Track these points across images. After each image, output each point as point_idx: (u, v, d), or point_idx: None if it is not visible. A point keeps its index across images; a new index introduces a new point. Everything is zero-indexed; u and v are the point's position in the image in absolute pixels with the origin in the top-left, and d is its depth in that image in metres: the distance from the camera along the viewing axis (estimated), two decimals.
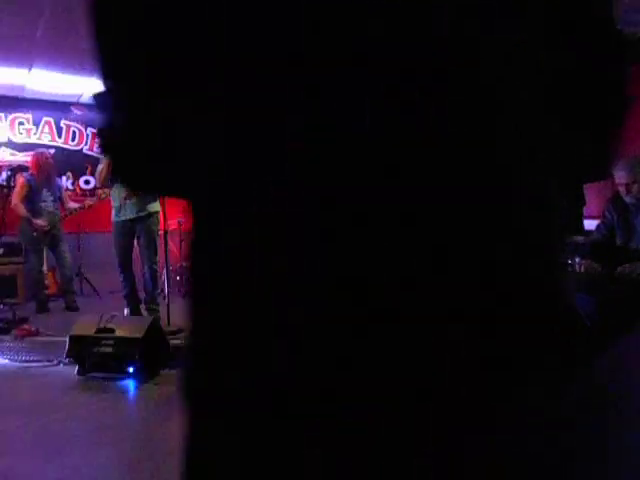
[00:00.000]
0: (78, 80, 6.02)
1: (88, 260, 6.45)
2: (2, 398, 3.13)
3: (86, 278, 6.29)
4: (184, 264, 6.27)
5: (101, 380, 3.77)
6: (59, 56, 5.24)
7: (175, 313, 4.57)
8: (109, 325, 3.88)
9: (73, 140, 7.07)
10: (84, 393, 3.59)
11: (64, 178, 6.79)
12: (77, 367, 3.89)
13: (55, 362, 4.14)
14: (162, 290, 5.14)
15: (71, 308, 5.68)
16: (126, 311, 4.74)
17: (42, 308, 5.53)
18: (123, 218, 4.76)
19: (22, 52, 5.08)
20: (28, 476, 2.42)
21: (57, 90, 6.40)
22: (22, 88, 6.27)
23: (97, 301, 6.16)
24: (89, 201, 5.73)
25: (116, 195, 4.77)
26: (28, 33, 4.59)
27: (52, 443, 2.79)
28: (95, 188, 7.15)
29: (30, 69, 5.60)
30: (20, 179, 5.63)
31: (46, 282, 5.82)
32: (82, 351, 3.87)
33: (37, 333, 4.42)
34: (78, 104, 7.04)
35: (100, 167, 4.82)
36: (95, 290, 6.33)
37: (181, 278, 6.20)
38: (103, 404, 3.36)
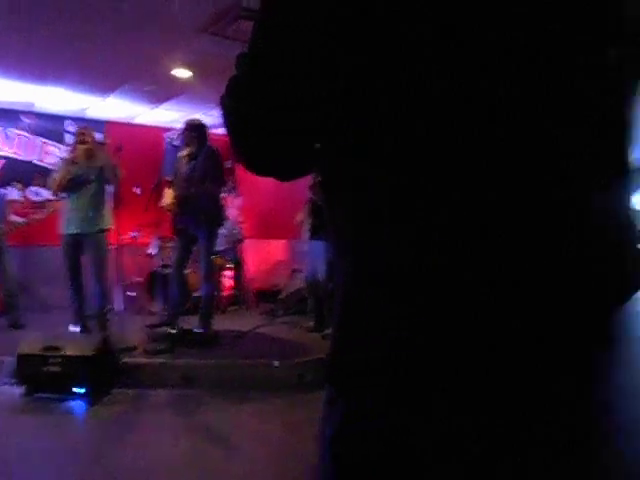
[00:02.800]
0: (29, 88, 5.85)
1: (36, 274, 6.21)
2: None
3: (30, 291, 6.05)
4: (137, 280, 6.15)
5: (48, 401, 3.63)
6: (11, 63, 5.09)
7: (128, 330, 4.46)
8: (57, 343, 3.75)
9: (22, 150, 6.83)
10: (31, 416, 3.44)
11: (10, 188, 6.53)
12: (23, 388, 3.73)
13: None
14: (112, 306, 5.00)
15: (16, 325, 5.44)
16: (74, 328, 4.59)
17: None
18: (71, 232, 4.63)
19: None
20: None
21: (7, 98, 6.19)
22: None
23: (45, 317, 5.92)
24: (36, 215, 5.54)
25: (69, 207, 4.64)
26: None
27: (10, 472, 2.66)
28: (45, 200, 6.93)
29: None
30: None
31: None
32: (29, 371, 3.72)
33: None
34: (29, 113, 6.82)
35: (56, 175, 4.67)
36: (41, 305, 6.09)
37: (135, 294, 6.05)
38: (49, 427, 3.24)
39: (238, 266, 6.77)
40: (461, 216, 0.55)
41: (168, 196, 4.64)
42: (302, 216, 4.90)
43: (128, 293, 5.89)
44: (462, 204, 0.55)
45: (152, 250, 6.49)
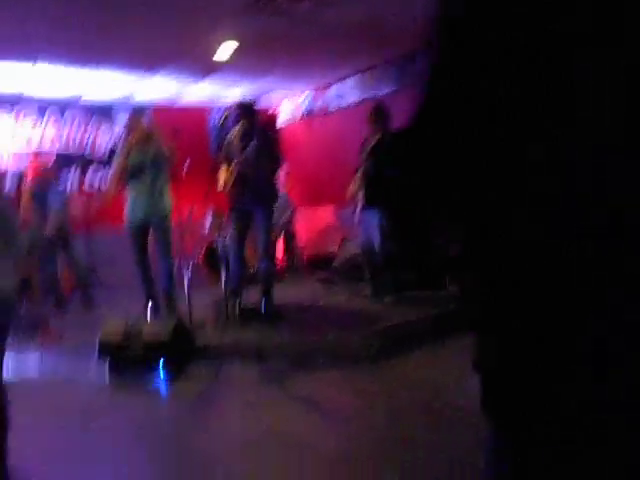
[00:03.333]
0: (78, 74, 5.96)
1: (98, 256, 6.48)
2: (42, 405, 3.21)
3: (97, 274, 6.34)
4: (195, 256, 6.33)
5: (131, 380, 3.87)
6: (59, 51, 5.20)
7: (194, 307, 4.59)
8: (135, 329, 3.97)
9: (77, 136, 7.04)
10: (117, 394, 3.69)
11: (69, 177, 6.78)
12: (107, 370, 3.99)
13: (83, 366, 4.24)
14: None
15: (88, 306, 5.76)
16: (148, 311, 4.81)
17: (59, 304, 5.62)
18: (136, 218, 4.79)
19: (31, 47, 5.05)
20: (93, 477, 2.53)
21: (57, 89, 6.34)
22: (29, 86, 6.20)
23: (110, 296, 6.22)
24: (96, 204, 5.76)
25: (131, 194, 4.79)
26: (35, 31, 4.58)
27: (95, 447, 2.89)
28: (101, 188, 7.18)
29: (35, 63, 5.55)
30: (26, 184, 5.65)
31: (61, 281, 5.88)
32: (111, 354, 3.96)
33: (61, 337, 4.49)
34: (78, 103, 6.99)
35: (113, 168, 4.83)
36: (106, 286, 6.39)
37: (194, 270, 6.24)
38: (137, 405, 3.46)
39: (289, 235, 6.87)
40: None
41: (223, 176, 4.72)
42: (354, 187, 4.90)
43: (189, 270, 6.09)
44: None
45: (207, 227, 6.66)
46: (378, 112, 4.81)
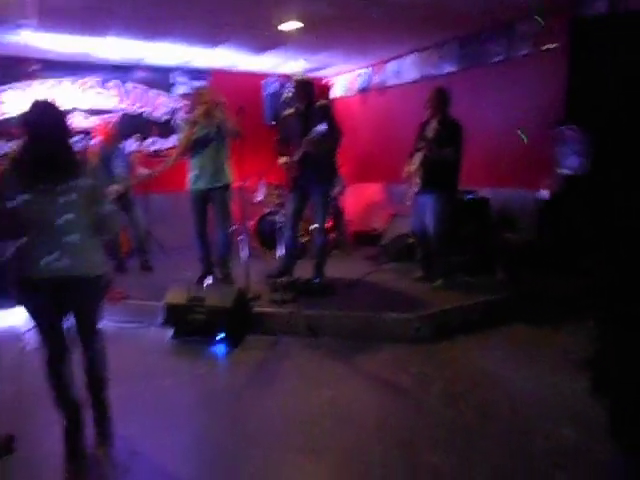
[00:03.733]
0: (140, 45, 6.11)
1: (155, 219, 6.73)
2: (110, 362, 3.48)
3: (154, 237, 6.60)
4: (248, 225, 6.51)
5: (194, 345, 4.12)
6: (131, 25, 5.34)
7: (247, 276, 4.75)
8: (199, 294, 4.20)
9: (138, 102, 7.25)
10: (182, 358, 3.95)
11: (131, 141, 7.02)
12: (171, 332, 4.25)
13: (146, 325, 4.52)
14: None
15: (145, 267, 6.04)
16: (210, 279, 5.04)
17: (120, 268, 5.90)
18: (198, 187, 4.98)
19: (100, 22, 5.22)
20: (157, 440, 2.77)
21: (119, 55, 6.51)
22: (89, 54, 6.41)
23: (165, 259, 6.49)
24: (159, 167, 5.94)
25: (194, 164, 4.97)
26: (107, 5, 4.72)
27: (166, 408, 3.13)
28: (160, 150, 7.41)
29: (105, 37, 5.73)
30: (92, 148, 5.88)
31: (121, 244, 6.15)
32: (176, 318, 4.21)
33: (126, 297, 4.76)
34: (140, 67, 7.17)
35: (181, 135, 5.02)
36: (162, 248, 6.66)
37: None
38: (201, 369, 3.71)
39: (338, 211, 6.98)
40: None
41: (283, 154, 4.85)
42: (412, 168, 4.95)
43: (242, 238, 6.28)
44: None
45: (259, 196, 6.82)
46: (440, 96, 4.82)
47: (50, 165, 2.37)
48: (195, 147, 4.91)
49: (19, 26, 5.21)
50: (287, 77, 7.64)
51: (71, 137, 2.57)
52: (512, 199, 5.55)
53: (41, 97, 2.49)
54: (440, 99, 4.79)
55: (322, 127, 4.42)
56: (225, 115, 4.85)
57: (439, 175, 4.73)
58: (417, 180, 4.88)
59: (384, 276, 5.42)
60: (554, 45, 5.15)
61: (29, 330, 4.39)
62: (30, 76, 6.65)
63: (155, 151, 7.41)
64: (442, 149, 4.64)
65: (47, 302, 2.42)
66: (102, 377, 2.68)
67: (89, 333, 2.60)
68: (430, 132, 4.71)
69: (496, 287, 4.84)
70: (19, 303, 2.46)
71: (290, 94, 4.83)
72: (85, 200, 2.42)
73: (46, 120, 2.40)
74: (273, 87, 7.53)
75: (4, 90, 6.53)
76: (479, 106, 5.96)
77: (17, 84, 6.58)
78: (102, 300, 2.63)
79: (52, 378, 2.53)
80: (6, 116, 6.50)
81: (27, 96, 6.61)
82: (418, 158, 4.84)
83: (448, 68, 6.42)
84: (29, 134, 2.41)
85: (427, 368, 3.57)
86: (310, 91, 4.75)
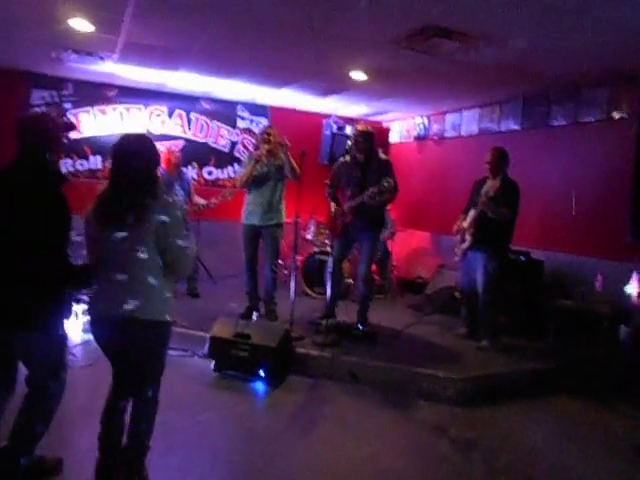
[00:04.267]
0: (212, 80, 6.39)
1: (204, 246, 6.88)
2: None
3: (203, 264, 6.74)
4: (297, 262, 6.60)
5: (235, 380, 4.16)
6: (203, 62, 5.60)
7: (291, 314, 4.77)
8: (246, 331, 4.25)
9: (200, 132, 7.54)
10: (223, 392, 3.98)
11: (189, 168, 7.28)
12: (213, 364, 4.30)
13: (190, 354, 4.59)
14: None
15: (193, 294, 6.16)
16: (255, 315, 5.11)
17: None
18: (252, 223, 5.10)
19: (176, 59, 5.51)
20: (201, 470, 2.79)
21: (189, 87, 6.82)
22: (162, 84, 6.75)
23: (212, 287, 6.61)
24: (215, 200, 6.12)
25: (250, 200, 5.11)
26: (186, 46, 4.99)
27: (205, 444, 3.15)
28: (216, 179, 7.65)
29: (176, 70, 6.04)
30: (158, 172, 6.11)
31: None
32: (219, 351, 4.27)
33: (174, 323, 4.85)
34: (207, 99, 7.47)
35: (242, 170, 5.19)
36: (210, 276, 6.79)
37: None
38: (241, 406, 3.73)
39: (386, 257, 6.98)
40: None
41: (334, 204, 4.95)
42: (464, 223, 4.94)
43: (290, 275, 6.36)
44: None
45: (309, 234, 6.91)
46: (501, 156, 4.82)
47: (128, 202, 2.34)
48: (254, 183, 5.05)
49: (102, 58, 5.55)
50: (347, 120, 7.81)
51: (157, 167, 2.55)
52: (567, 264, 5.45)
53: (133, 129, 2.47)
54: (501, 159, 4.80)
55: (388, 183, 4.47)
56: (288, 157, 4.98)
57: (492, 233, 4.70)
58: (469, 236, 4.86)
59: (428, 328, 5.36)
60: (624, 114, 5.10)
61: (77, 345, 4.54)
62: (106, 101, 7.03)
63: (212, 181, 7.66)
64: (499, 208, 4.62)
65: (109, 342, 2.43)
66: (141, 445, 2.49)
67: (139, 391, 2.49)
68: (491, 190, 4.69)
69: (545, 353, 4.72)
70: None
71: (352, 142, 4.87)
72: (158, 237, 2.35)
73: (129, 154, 2.38)
74: (332, 128, 7.69)
75: (81, 112, 6.92)
76: (539, 167, 5.92)
77: (93, 107, 6.97)
78: (163, 355, 2.53)
79: (103, 426, 2.50)
80: (80, 136, 6.87)
81: (100, 119, 6.98)
82: (472, 214, 4.83)
83: (510, 126, 6.43)
84: (112, 167, 2.42)
85: (468, 433, 3.49)
86: (372, 143, 4.77)
